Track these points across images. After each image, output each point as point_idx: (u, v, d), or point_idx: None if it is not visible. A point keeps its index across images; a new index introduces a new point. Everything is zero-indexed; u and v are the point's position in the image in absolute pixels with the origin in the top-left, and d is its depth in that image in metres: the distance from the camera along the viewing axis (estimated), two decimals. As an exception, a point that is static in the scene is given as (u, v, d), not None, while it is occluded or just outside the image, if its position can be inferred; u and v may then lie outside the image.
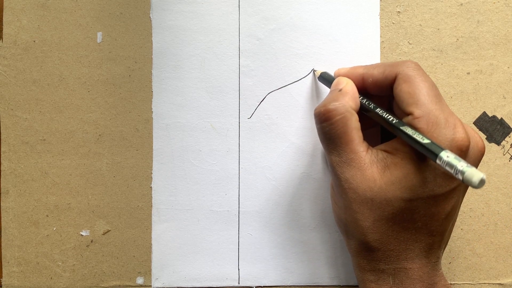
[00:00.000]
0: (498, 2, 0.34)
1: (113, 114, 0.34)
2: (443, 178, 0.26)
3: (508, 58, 0.34)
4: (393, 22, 0.34)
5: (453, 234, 0.34)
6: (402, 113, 0.27)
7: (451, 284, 0.34)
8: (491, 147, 0.34)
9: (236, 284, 0.34)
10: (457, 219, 0.32)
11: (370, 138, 0.29)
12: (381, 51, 0.34)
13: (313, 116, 0.34)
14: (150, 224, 0.34)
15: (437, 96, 0.27)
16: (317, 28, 0.34)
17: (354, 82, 0.29)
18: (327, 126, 0.28)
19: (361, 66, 0.30)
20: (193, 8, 0.34)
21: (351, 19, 0.34)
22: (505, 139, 0.34)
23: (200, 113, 0.34)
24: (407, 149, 0.26)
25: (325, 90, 0.34)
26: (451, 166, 0.23)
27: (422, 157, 0.26)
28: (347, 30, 0.34)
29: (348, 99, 0.28)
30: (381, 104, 0.30)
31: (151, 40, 0.34)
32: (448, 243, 0.32)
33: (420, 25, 0.34)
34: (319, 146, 0.34)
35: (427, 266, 0.28)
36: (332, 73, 0.32)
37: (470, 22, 0.34)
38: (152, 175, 0.34)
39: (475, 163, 0.27)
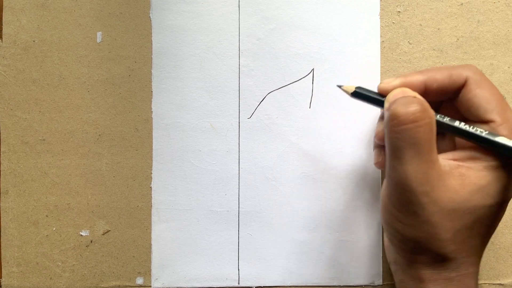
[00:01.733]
0: (498, 2, 0.34)
1: (113, 114, 0.34)
2: None
3: (508, 58, 0.34)
4: (393, 22, 0.34)
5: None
6: (474, 118, 0.27)
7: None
8: (491, 147, 0.34)
9: (236, 284, 0.34)
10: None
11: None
12: (381, 51, 0.34)
13: (313, 116, 0.34)
14: (150, 224, 0.34)
15: (505, 100, 0.27)
16: (317, 28, 0.34)
17: (414, 91, 0.27)
18: (415, 127, 0.24)
19: (416, 73, 0.28)
20: (193, 8, 0.34)
21: (351, 19, 0.34)
22: (505, 139, 0.34)
23: (200, 113, 0.34)
24: (489, 158, 0.26)
25: (325, 91, 0.34)
26: None
27: (501, 163, 0.26)
28: (347, 30, 0.34)
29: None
30: None
31: (151, 40, 0.34)
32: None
33: (420, 25, 0.34)
34: (319, 146, 0.34)
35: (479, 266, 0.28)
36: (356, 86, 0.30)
37: (470, 22, 0.34)
38: (152, 175, 0.34)
39: None
